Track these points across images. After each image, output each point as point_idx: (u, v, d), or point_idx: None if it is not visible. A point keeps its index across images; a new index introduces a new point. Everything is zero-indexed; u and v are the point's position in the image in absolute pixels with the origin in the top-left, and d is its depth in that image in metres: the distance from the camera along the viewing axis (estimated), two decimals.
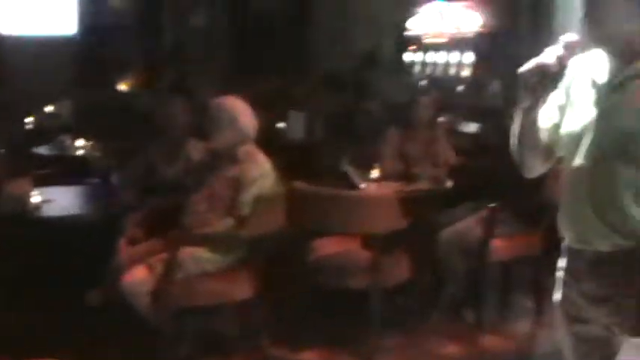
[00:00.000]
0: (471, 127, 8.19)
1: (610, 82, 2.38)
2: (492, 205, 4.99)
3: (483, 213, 5.07)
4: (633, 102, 2.32)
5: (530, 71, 2.34)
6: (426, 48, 14.41)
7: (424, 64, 14.41)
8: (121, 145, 6.28)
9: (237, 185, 4.37)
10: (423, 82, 12.57)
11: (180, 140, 5.28)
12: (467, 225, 5.15)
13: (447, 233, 5.14)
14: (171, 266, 4.15)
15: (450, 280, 5.17)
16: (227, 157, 4.49)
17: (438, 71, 13.81)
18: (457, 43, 13.46)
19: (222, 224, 4.36)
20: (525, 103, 2.43)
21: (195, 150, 5.04)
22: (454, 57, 13.46)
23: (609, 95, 2.37)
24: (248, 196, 4.34)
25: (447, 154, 5.99)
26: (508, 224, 5.08)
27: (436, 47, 14.06)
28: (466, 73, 12.81)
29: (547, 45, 2.39)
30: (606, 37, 2.36)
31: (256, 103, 7.50)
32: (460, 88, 12.06)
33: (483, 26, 12.98)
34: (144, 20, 11.78)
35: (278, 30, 11.72)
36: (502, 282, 5.45)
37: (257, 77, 8.87)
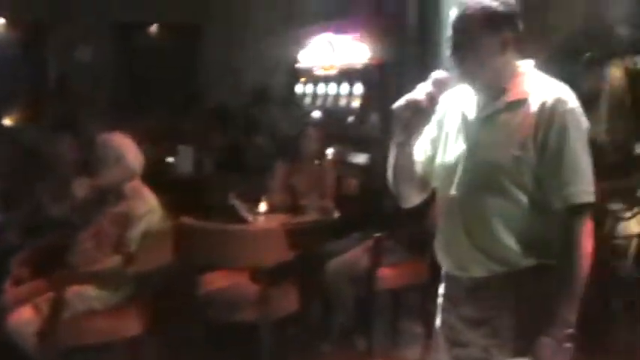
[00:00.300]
0: (360, 158, 8.30)
1: (478, 116, 2.50)
2: (379, 234, 5.09)
3: (370, 242, 5.15)
4: (500, 135, 2.43)
5: (402, 107, 2.42)
6: (316, 80, 14.62)
7: (314, 95, 14.61)
8: (6, 182, 6.13)
9: (125, 222, 4.36)
10: (312, 115, 12.73)
11: (68, 177, 5.20)
12: (354, 254, 5.22)
13: (334, 263, 5.18)
14: (57, 306, 4.09)
15: (339, 309, 5.22)
16: (114, 193, 4.48)
17: (329, 103, 14.00)
18: (347, 75, 13.70)
19: (110, 261, 4.32)
20: (399, 138, 2.50)
21: (82, 187, 4.98)
22: (344, 88, 13.70)
23: (478, 129, 2.48)
24: (135, 232, 4.33)
25: (335, 186, 6.04)
26: (395, 253, 5.20)
27: (326, 79, 14.29)
28: (356, 104, 13.05)
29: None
30: (472, 74, 2.48)
31: (145, 138, 7.49)
32: (350, 119, 12.23)
33: (372, 58, 13.28)
34: (28, 52, 11.55)
35: (168, 64, 11.69)
36: (391, 309, 5.53)
37: (146, 111, 8.82)
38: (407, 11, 11.36)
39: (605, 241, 5.16)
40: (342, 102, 13.58)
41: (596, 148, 4.65)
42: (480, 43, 2.43)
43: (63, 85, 11.01)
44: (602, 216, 5.04)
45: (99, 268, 4.33)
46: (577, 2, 5.52)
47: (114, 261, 4.32)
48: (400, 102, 2.44)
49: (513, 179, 2.41)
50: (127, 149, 4.53)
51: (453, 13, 2.49)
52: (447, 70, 2.52)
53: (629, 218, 5.27)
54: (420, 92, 2.43)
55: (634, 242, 5.29)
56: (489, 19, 2.42)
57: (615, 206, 5.25)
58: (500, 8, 2.44)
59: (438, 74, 2.47)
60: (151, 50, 11.89)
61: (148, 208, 4.43)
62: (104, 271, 4.32)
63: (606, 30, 5.45)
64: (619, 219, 5.22)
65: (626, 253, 5.29)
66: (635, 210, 5.27)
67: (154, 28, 12.01)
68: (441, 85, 2.46)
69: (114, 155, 4.45)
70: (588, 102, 5.09)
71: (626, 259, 5.28)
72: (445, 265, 2.64)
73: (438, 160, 2.61)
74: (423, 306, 5.21)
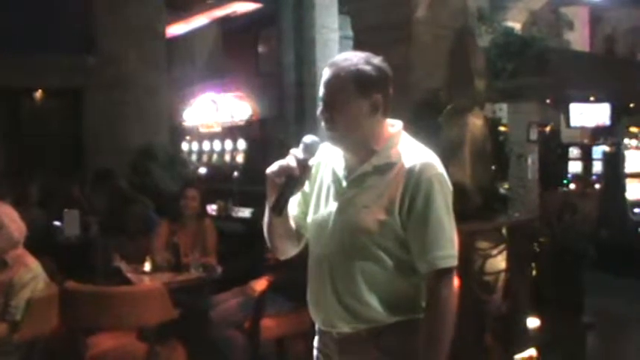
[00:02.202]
0: (245, 212, 8.44)
1: (347, 177, 2.57)
2: (261, 286, 5.27)
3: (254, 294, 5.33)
4: (367, 198, 2.51)
5: (274, 173, 2.49)
6: (201, 137, 14.82)
7: (200, 152, 14.81)
8: None
9: (9, 290, 4.38)
10: (196, 172, 12.89)
11: None
12: (235, 302, 5.41)
13: (215, 312, 5.34)
14: None
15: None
16: None
17: (214, 159, 14.25)
18: (230, 131, 13.99)
19: None
20: (272, 202, 2.53)
21: None
22: (228, 144, 13.95)
23: (346, 190, 2.56)
24: (20, 300, 4.36)
25: (217, 242, 6.14)
26: (277, 303, 5.34)
27: (211, 136, 14.51)
28: (240, 159, 13.30)
29: (311, 129, 2.63)
30: (341, 135, 2.53)
31: (32, 202, 7.45)
32: (234, 174, 12.42)
33: (253, 115, 13.61)
34: None
35: (53, 131, 11.62)
36: (277, 357, 5.66)
37: (30, 178, 8.77)
38: (284, 71, 11.68)
39: (475, 277, 5.42)
40: (227, 157, 13.87)
41: (463, 193, 5.00)
42: (350, 105, 2.47)
43: None
44: (472, 254, 5.31)
45: None
46: (438, 60, 5.82)
47: None
48: (273, 167, 2.49)
49: (378, 242, 2.46)
50: (8, 218, 4.54)
51: (325, 72, 2.53)
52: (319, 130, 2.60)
53: (496, 255, 5.53)
54: (291, 158, 2.49)
55: (501, 277, 5.57)
56: (360, 83, 2.46)
57: (483, 244, 5.50)
58: (373, 72, 2.49)
59: (308, 139, 2.53)
60: (37, 115, 11.79)
61: (31, 275, 4.47)
62: None
63: (465, 83, 5.73)
64: (487, 256, 5.46)
65: (494, 288, 5.55)
66: (501, 247, 5.54)
67: (39, 94, 11.89)
68: (311, 150, 2.52)
69: None
70: (452, 150, 5.44)
71: (494, 293, 5.56)
72: (315, 321, 2.70)
73: (310, 217, 2.67)
74: (308, 354, 5.34)
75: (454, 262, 2.48)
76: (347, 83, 2.47)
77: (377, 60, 2.54)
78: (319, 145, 2.56)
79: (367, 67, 2.49)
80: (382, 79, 2.52)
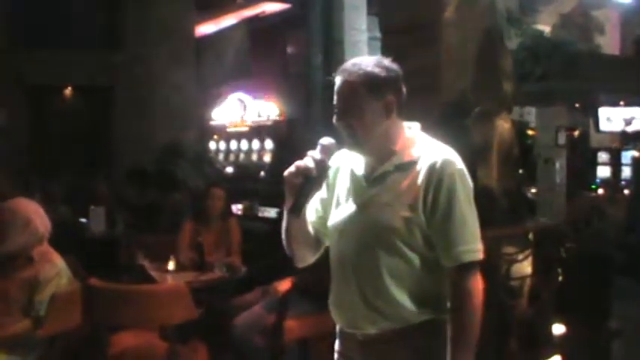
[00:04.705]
0: (271, 212, 8.43)
1: (368, 178, 2.59)
2: (284, 287, 5.24)
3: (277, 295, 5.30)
4: (389, 197, 2.52)
5: (292, 174, 2.51)
6: (228, 136, 14.85)
7: (227, 151, 14.83)
8: None
9: (34, 286, 4.39)
10: (222, 171, 12.91)
11: None
12: (261, 307, 5.35)
13: (242, 318, 5.26)
14: None
15: None
16: (22, 259, 4.49)
17: (241, 158, 14.28)
18: (258, 131, 14.00)
19: (19, 326, 4.33)
20: (290, 204, 2.56)
21: None
22: (255, 144, 13.98)
23: (368, 190, 2.58)
24: (44, 296, 4.37)
25: (241, 242, 6.17)
26: (300, 304, 5.29)
27: (238, 135, 14.53)
28: (267, 158, 13.33)
29: (338, 130, 2.59)
30: (358, 139, 2.55)
31: (58, 199, 7.50)
32: (261, 174, 12.43)
33: (280, 115, 13.60)
34: None
35: (81, 126, 11.70)
36: (299, 359, 5.61)
37: (57, 175, 8.84)
38: (312, 72, 11.66)
39: (501, 282, 5.37)
40: (254, 157, 13.90)
41: (489, 196, 4.95)
42: (363, 108, 2.50)
43: None
44: (497, 259, 5.25)
45: (8, 333, 4.31)
46: (466, 61, 5.77)
47: (23, 325, 4.33)
48: (291, 169, 2.51)
49: (403, 239, 2.48)
50: (35, 215, 4.56)
51: (336, 80, 2.57)
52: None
53: (522, 260, 5.49)
54: (309, 159, 2.50)
55: (527, 282, 5.52)
56: (371, 85, 2.49)
57: (509, 249, 5.45)
58: (382, 74, 2.52)
59: (325, 141, 2.55)
60: (65, 112, 11.88)
61: (56, 271, 4.48)
62: (13, 335, 4.31)
63: (493, 85, 5.69)
64: (513, 261, 5.41)
65: (520, 293, 5.51)
66: (527, 252, 5.49)
67: (67, 91, 11.99)
68: (328, 152, 2.54)
69: (21, 221, 4.48)
70: (480, 153, 5.40)
71: (520, 298, 5.51)
72: (339, 323, 2.71)
73: (330, 221, 2.68)
74: (330, 356, 5.31)
75: (479, 255, 2.51)
76: (358, 87, 2.51)
77: (387, 62, 2.58)
78: (336, 146, 2.58)
79: (376, 70, 2.53)
80: (393, 79, 2.56)
